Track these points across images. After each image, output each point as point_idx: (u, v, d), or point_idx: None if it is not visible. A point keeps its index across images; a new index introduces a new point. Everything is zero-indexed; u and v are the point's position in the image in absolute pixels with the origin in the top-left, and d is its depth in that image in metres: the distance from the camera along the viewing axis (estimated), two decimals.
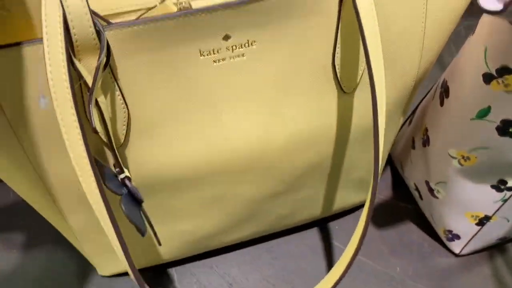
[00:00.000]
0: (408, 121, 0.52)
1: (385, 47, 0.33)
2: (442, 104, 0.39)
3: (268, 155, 0.36)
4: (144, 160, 0.34)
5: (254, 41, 0.31)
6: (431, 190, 0.46)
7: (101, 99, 0.28)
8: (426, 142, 0.43)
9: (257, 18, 0.30)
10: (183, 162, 0.34)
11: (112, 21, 0.32)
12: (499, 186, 0.39)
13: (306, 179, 0.41)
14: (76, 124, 0.26)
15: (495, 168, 0.38)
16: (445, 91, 0.38)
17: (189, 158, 0.34)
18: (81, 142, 0.26)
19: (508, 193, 0.39)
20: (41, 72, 0.27)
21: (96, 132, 0.27)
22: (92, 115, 0.26)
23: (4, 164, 0.32)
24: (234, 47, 0.31)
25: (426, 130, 0.43)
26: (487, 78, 0.33)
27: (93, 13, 0.30)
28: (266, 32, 0.31)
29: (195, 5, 0.32)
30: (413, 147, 0.47)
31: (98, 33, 0.27)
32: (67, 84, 0.25)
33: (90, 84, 0.26)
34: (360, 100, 0.36)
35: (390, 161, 0.57)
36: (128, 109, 0.31)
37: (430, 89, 0.46)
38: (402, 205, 0.53)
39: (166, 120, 0.32)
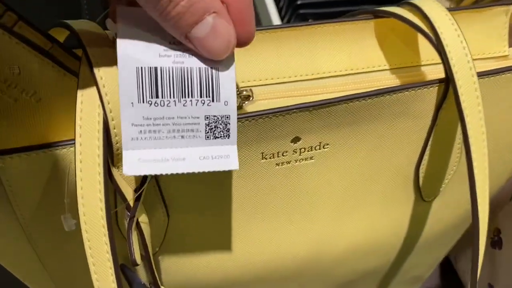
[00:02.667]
0: None
1: None
2: None
3: (320, 265, 0.31)
4: (178, 268, 0.28)
5: (327, 144, 0.25)
6: None
7: (143, 219, 0.22)
8: (496, 244, 0.38)
9: (336, 120, 0.24)
10: (224, 268, 0.29)
11: None
12: None
13: (359, 283, 0.35)
14: (109, 256, 0.20)
15: None
16: None
17: (232, 264, 0.28)
18: (112, 279, 0.20)
19: None
20: (68, 185, 0.22)
21: (136, 265, 0.21)
22: (133, 245, 0.21)
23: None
24: (302, 149, 0.25)
25: (499, 231, 0.37)
26: None
27: None
28: (343, 134, 0.25)
29: (257, 92, 0.27)
30: None
31: None
32: (101, 204, 0.20)
33: (131, 203, 0.21)
34: (439, 206, 0.30)
35: None
36: (168, 217, 0.25)
37: None
38: None
39: (207, 226, 0.26)
